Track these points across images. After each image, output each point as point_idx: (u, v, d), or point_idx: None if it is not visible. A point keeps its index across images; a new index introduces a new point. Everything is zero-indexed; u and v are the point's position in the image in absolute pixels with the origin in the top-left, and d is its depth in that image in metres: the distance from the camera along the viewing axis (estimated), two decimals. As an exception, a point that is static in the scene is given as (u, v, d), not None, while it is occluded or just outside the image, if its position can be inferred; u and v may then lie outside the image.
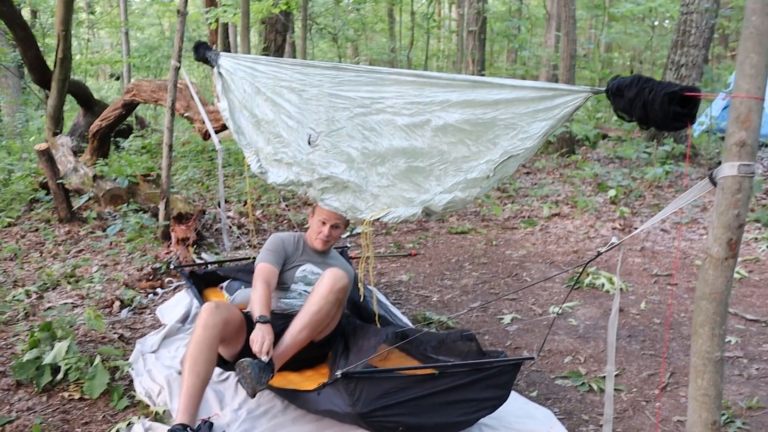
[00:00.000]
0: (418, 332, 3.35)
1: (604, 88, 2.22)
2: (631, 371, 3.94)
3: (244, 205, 7.30)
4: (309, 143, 3.69)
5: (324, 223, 3.69)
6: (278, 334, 3.27)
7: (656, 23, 20.31)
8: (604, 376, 3.82)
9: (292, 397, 3.25)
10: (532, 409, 3.45)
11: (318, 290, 3.33)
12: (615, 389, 3.68)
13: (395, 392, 2.74)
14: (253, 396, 3.02)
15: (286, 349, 3.25)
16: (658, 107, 2.02)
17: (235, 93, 4.46)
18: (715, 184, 1.91)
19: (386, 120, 3.18)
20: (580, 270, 5.55)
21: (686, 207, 7.60)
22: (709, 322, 1.86)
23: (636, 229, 6.80)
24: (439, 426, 2.91)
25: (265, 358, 3.06)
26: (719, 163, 1.87)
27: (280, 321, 3.40)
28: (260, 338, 3.11)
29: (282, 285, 3.66)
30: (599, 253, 2.30)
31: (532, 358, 3.09)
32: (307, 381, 3.35)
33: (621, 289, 5.23)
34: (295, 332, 3.26)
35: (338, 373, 2.67)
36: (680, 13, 10.45)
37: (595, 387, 3.71)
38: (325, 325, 3.39)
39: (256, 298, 3.33)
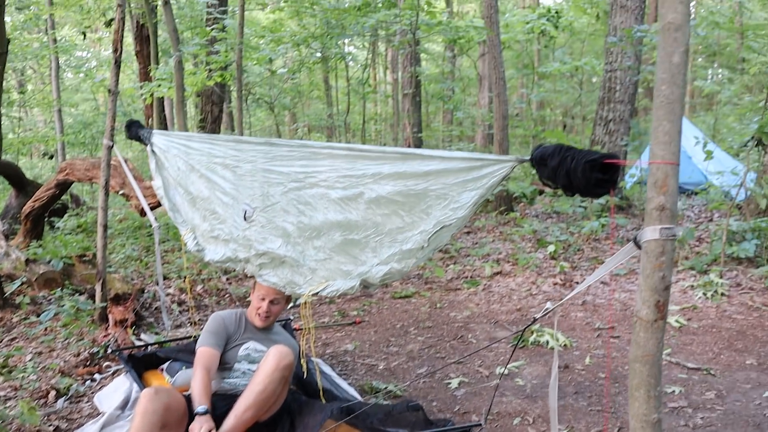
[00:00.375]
0: (364, 405, 3.31)
1: (528, 157, 2.28)
2: (579, 429, 3.95)
3: (185, 280, 7.18)
4: (245, 219, 3.68)
5: (263, 299, 3.66)
6: (222, 416, 3.20)
7: (584, 79, 21.04)
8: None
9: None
10: (483, 476, 3.43)
11: (263, 368, 3.27)
12: (564, 449, 3.69)
13: None
14: None
15: (230, 430, 3.17)
16: (580, 175, 2.08)
17: (170, 170, 4.43)
18: (639, 247, 1.96)
19: (320, 194, 3.20)
20: (521, 333, 5.59)
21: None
22: (644, 384, 1.88)
23: (577, 283, 6.92)
24: None
25: None
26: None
27: (223, 403, 3.33)
28: (198, 429, 3.03)
29: (225, 365, 3.59)
30: (535, 320, 2.33)
31: (480, 425, 3.08)
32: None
33: (565, 346, 5.27)
34: (240, 412, 3.19)
35: None
36: (605, 71, 10.87)
37: (544, 448, 3.71)
38: (270, 403, 3.32)
39: (195, 386, 3.26)
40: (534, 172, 2.23)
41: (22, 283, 6.54)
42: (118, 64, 5.45)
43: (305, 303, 3.44)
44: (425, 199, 2.73)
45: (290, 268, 3.40)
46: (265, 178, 3.54)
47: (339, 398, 3.78)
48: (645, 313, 1.90)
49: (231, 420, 3.18)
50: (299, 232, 3.34)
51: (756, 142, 7.69)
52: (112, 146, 5.45)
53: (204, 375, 3.33)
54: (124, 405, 4.20)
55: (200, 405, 3.16)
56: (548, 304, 2.18)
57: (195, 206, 4.17)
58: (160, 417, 3.05)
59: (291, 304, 6.42)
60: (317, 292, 3.23)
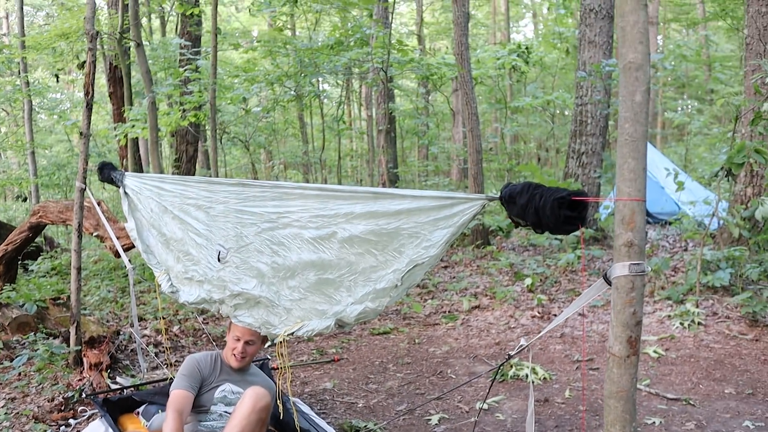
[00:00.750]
0: None
1: (498, 195, 2.30)
2: (558, 464, 3.95)
3: (160, 322, 7.11)
4: (219, 260, 3.66)
5: (239, 339, 3.64)
6: None
7: (556, 112, 21.33)
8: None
9: None
10: None
11: (239, 410, 3.25)
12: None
13: None
14: None
15: None
16: (549, 212, 2.10)
17: (143, 212, 4.41)
18: (609, 283, 1.98)
19: (293, 234, 3.20)
20: (498, 370, 5.58)
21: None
22: (619, 420, 1.89)
23: (555, 315, 6.94)
24: None
25: None
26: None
27: None
28: None
29: (201, 407, 3.55)
30: (509, 356, 2.33)
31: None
32: None
33: (545, 379, 5.28)
34: None
35: None
36: (575, 105, 11.02)
37: (525, 484, 3.69)
38: None
39: (166, 430, 3.22)
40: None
41: (-5, 329, 6.44)
42: (89, 106, 5.45)
43: (281, 342, 3.42)
44: (398, 238, 2.74)
45: (265, 308, 3.38)
46: (238, 219, 3.54)
47: None
48: (617, 349, 1.91)
49: None
50: (273, 273, 3.34)
51: (726, 173, 7.81)
52: (85, 188, 5.43)
53: (176, 418, 3.30)
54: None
55: None
56: (522, 341, 2.19)
57: (169, 248, 4.15)
58: None
59: (268, 343, 6.38)
60: (293, 332, 3.22)
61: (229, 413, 3.51)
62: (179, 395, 3.45)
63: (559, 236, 10.03)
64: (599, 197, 11.07)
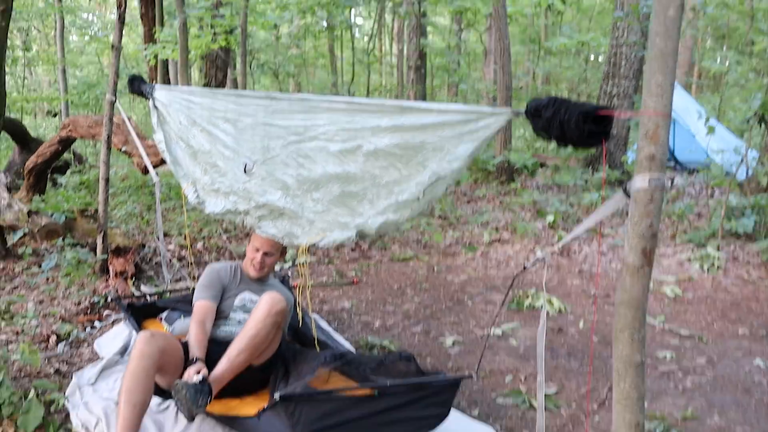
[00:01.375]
0: (357, 356, 3.39)
1: (523, 110, 2.32)
2: (570, 387, 4.04)
3: (185, 237, 7.25)
4: (245, 172, 3.72)
5: (258, 250, 3.70)
6: (217, 361, 3.27)
7: (591, 57, 20.95)
8: (545, 394, 3.89)
9: (232, 423, 3.23)
10: (474, 427, 3.50)
11: (255, 314, 3.32)
12: (555, 406, 3.77)
13: (335, 413, 2.76)
14: (191, 419, 3.01)
15: (223, 372, 3.22)
16: (573, 126, 2.12)
17: (171, 125, 4.46)
18: (629, 196, 2.01)
19: (319, 147, 3.24)
20: (517, 289, 5.66)
21: (623, 230, 7.81)
22: (628, 327, 1.94)
23: (575, 252, 6.97)
24: None
25: (197, 377, 3.05)
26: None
27: (218, 348, 3.39)
28: (194, 369, 3.11)
29: (221, 314, 3.65)
30: (525, 268, 2.38)
31: (471, 377, 3.15)
32: (247, 406, 3.33)
33: (560, 310, 5.34)
34: (233, 356, 3.24)
35: (277, 395, 2.68)
36: (610, 46, 10.83)
37: (535, 404, 3.78)
38: (263, 348, 3.38)
39: (190, 340, 3.32)
40: (532, 131, 2.26)
41: (24, 235, 6.61)
42: (122, 19, 5.48)
43: (302, 263, 3.49)
44: (422, 152, 2.77)
45: (289, 219, 3.45)
46: (265, 132, 3.58)
47: (333, 349, 3.85)
48: (632, 259, 1.95)
49: (223, 363, 3.24)
50: (298, 185, 3.39)
51: (758, 119, 7.70)
52: (115, 101, 5.48)
53: (199, 329, 3.39)
54: (124, 351, 4.28)
55: (193, 356, 3.23)
56: (539, 252, 2.23)
57: (196, 160, 4.21)
58: (155, 360, 3.12)
59: (290, 263, 6.50)
60: (315, 243, 3.29)
61: (237, 320, 3.62)
62: (202, 306, 3.53)
63: (584, 176, 9.99)
64: (624, 112, 10.91)
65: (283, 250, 3.80)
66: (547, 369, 4.29)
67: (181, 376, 3.23)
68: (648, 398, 3.87)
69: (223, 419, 3.26)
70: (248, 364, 3.31)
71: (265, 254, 3.70)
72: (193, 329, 3.39)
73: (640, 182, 1.92)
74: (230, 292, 3.71)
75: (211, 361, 3.24)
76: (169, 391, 3.30)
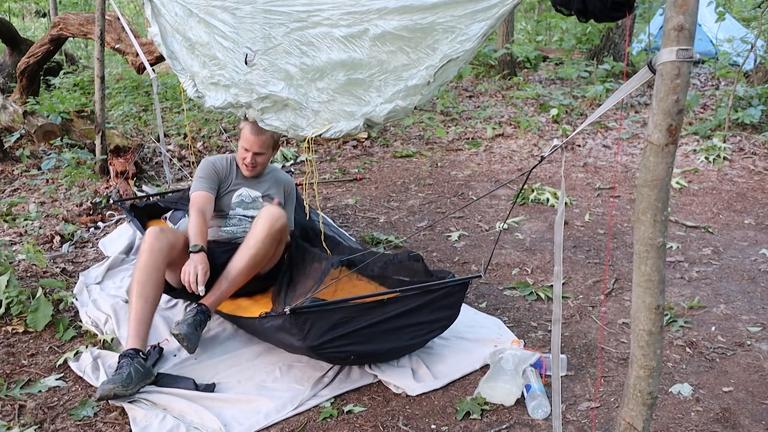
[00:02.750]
0: (364, 256, 3.35)
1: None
2: (576, 279, 4.04)
3: (184, 138, 7.14)
4: (246, 63, 3.58)
5: (247, 150, 3.56)
6: (222, 265, 3.23)
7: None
8: (551, 285, 3.90)
9: (239, 323, 3.24)
10: (482, 319, 3.51)
11: (254, 232, 3.24)
12: (562, 297, 3.77)
13: (345, 323, 2.73)
14: (192, 352, 3.00)
15: (224, 292, 3.19)
16: (596, -2, 1.99)
17: (166, 17, 4.28)
18: (654, 71, 1.91)
19: (324, 33, 3.09)
20: (526, 179, 5.60)
21: (627, 123, 7.70)
22: (651, 208, 1.87)
23: (579, 146, 6.89)
24: (390, 351, 2.94)
25: (201, 290, 3.03)
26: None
27: (222, 250, 3.36)
28: (192, 270, 3.06)
29: (220, 212, 3.57)
30: (542, 158, 2.30)
31: (479, 276, 3.11)
32: (255, 306, 3.34)
33: (566, 203, 5.29)
34: (232, 275, 3.19)
35: (287, 309, 2.64)
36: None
37: (542, 295, 3.79)
38: (263, 265, 3.34)
39: (189, 228, 3.25)
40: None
41: (21, 136, 6.51)
42: None
43: (307, 144, 3.38)
44: (432, 34, 2.63)
45: (293, 111, 3.33)
46: (266, 20, 3.41)
47: (341, 245, 3.81)
48: (656, 137, 1.86)
49: (223, 284, 3.18)
50: (302, 74, 3.26)
51: (769, 5, 7.46)
52: (106, -6, 5.27)
53: (198, 216, 3.30)
54: (129, 250, 4.27)
55: (194, 244, 3.16)
56: (555, 141, 2.14)
57: (194, 53, 4.06)
58: (165, 255, 3.09)
59: (293, 160, 6.42)
60: (321, 134, 3.20)
61: (248, 217, 3.55)
62: (199, 196, 3.45)
63: (588, 68, 9.79)
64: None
65: (275, 145, 3.66)
66: (553, 260, 4.28)
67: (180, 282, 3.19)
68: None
69: (231, 318, 3.26)
70: (249, 280, 3.28)
71: (256, 154, 3.55)
72: (193, 218, 3.31)
73: (666, 55, 1.80)
74: (227, 187, 3.61)
75: (214, 264, 3.19)
76: (177, 288, 3.28)
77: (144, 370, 2.85)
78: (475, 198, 5.52)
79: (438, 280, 3.00)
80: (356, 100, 3.03)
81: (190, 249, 3.14)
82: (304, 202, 3.77)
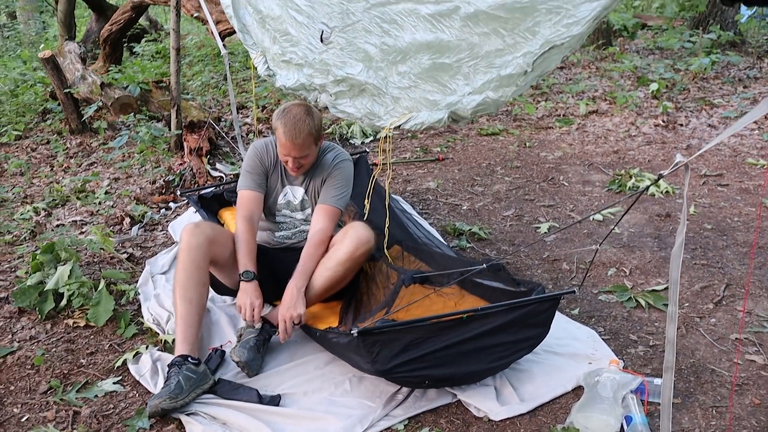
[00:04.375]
0: (437, 268, 3.04)
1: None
2: (681, 284, 3.60)
3: (263, 110, 6.93)
4: (321, 41, 3.27)
5: (287, 155, 3.06)
6: (282, 275, 3.00)
7: None
8: (653, 290, 3.50)
9: (307, 331, 2.99)
10: (575, 330, 3.15)
11: (337, 254, 2.95)
12: (664, 305, 3.36)
13: (418, 344, 2.42)
14: (253, 376, 2.80)
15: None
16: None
17: (239, -14, 4.03)
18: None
19: (408, 9, 2.74)
20: (619, 169, 5.15)
21: (736, 100, 7.07)
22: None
23: (681, 125, 6.37)
24: (469, 375, 2.62)
25: (257, 326, 2.82)
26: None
27: (281, 258, 3.16)
28: (248, 306, 2.84)
29: (269, 213, 3.26)
30: (660, 176, 1.93)
31: (573, 292, 2.74)
32: (327, 311, 3.10)
33: (667, 192, 4.84)
34: (306, 296, 2.93)
35: (354, 330, 2.35)
36: None
37: (642, 302, 3.39)
38: (341, 287, 3.08)
39: (237, 245, 2.99)
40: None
41: (99, 108, 6.41)
42: None
43: (385, 137, 3.06)
44: (533, 14, 2.25)
45: (370, 96, 3.01)
46: (344, -7, 3.10)
47: (419, 248, 3.44)
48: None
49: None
50: (382, 56, 2.93)
51: None
52: (182, -39, 5.04)
53: (246, 229, 3.01)
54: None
55: (244, 268, 2.92)
56: (678, 156, 1.76)
57: (265, 27, 3.78)
58: (205, 251, 2.86)
59: (372, 137, 6.11)
60: (399, 125, 2.87)
61: (297, 219, 3.25)
62: (246, 198, 3.12)
63: (692, 38, 9.10)
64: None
65: (317, 139, 3.09)
66: (655, 260, 3.87)
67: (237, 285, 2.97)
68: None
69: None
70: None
71: (297, 159, 3.05)
72: (240, 231, 3.01)
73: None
74: (272, 183, 3.23)
75: (266, 270, 2.99)
76: (234, 289, 3.05)
77: (197, 376, 2.65)
78: (567, 184, 5.09)
79: (525, 296, 2.66)
80: (441, 87, 2.68)
81: (241, 277, 2.91)
82: (369, 189, 3.31)
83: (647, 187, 2.10)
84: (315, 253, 2.99)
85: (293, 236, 3.23)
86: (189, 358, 2.68)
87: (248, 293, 2.87)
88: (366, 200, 3.17)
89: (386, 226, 3.25)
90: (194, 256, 2.82)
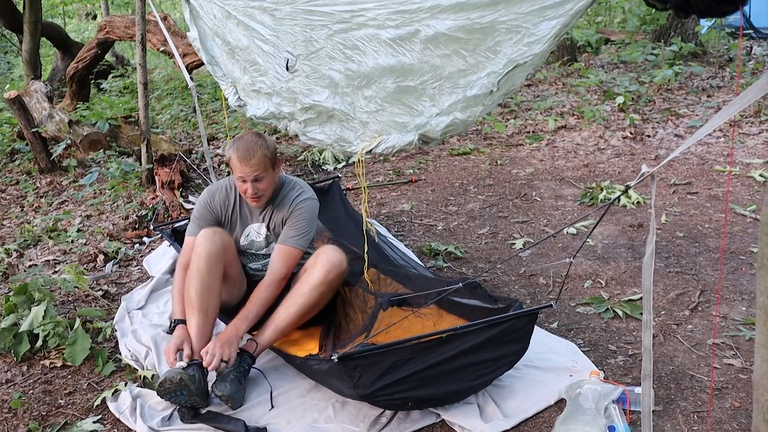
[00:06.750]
0: (414, 290, 3.05)
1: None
2: (657, 292, 3.64)
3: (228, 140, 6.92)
4: (287, 69, 3.30)
5: (244, 180, 2.97)
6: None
7: None
8: (629, 300, 3.53)
9: (287, 359, 2.98)
10: (554, 343, 3.16)
11: (309, 279, 2.92)
12: (640, 313, 3.38)
13: (399, 366, 2.41)
14: (237, 408, 2.74)
15: (269, 339, 2.93)
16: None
17: (205, 20, 4.05)
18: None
19: (369, 35, 2.78)
20: (590, 181, 5.21)
21: (700, 109, 7.20)
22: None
23: (649, 137, 6.45)
24: (452, 394, 2.61)
25: (180, 365, 2.73)
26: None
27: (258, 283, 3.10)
28: (210, 352, 2.72)
29: (238, 251, 3.21)
30: (628, 187, 1.95)
31: (551, 306, 2.76)
32: (306, 339, 3.09)
33: (638, 203, 4.90)
34: (282, 325, 2.91)
35: (335, 357, 2.34)
36: None
37: (620, 312, 3.41)
38: (316, 312, 3.04)
39: (174, 293, 2.99)
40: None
41: (68, 146, 6.37)
42: None
43: (358, 161, 3.07)
44: (493, 35, 2.29)
45: (339, 122, 3.04)
46: (307, 21, 3.13)
47: (396, 271, 3.46)
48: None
49: (270, 332, 2.91)
50: (348, 81, 2.96)
51: None
52: (146, -2, 5.06)
53: (183, 277, 2.95)
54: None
55: (176, 318, 2.91)
56: (644, 168, 1.79)
57: (234, 57, 3.81)
58: (221, 259, 2.88)
59: (344, 162, 6.13)
60: (371, 150, 2.89)
61: (263, 255, 3.22)
62: (188, 245, 3.08)
63: (655, 51, 9.25)
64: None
65: (274, 162, 3.00)
66: (630, 270, 3.91)
67: (246, 294, 2.97)
68: (747, 301, 3.47)
69: (277, 351, 3.00)
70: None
71: (255, 180, 2.96)
72: (177, 277, 3.00)
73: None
74: (232, 224, 3.18)
75: (245, 297, 3.03)
76: (229, 305, 3.07)
77: (203, 387, 2.68)
78: (539, 200, 5.14)
79: (503, 312, 2.67)
80: (408, 109, 2.71)
81: (173, 322, 2.92)
82: (365, 225, 3.37)
83: (614, 200, 2.13)
84: (262, 297, 2.96)
85: (263, 268, 3.18)
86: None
87: (178, 338, 2.82)
88: (364, 232, 3.19)
89: (365, 251, 3.26)
90: (211, 264, 2.82)
